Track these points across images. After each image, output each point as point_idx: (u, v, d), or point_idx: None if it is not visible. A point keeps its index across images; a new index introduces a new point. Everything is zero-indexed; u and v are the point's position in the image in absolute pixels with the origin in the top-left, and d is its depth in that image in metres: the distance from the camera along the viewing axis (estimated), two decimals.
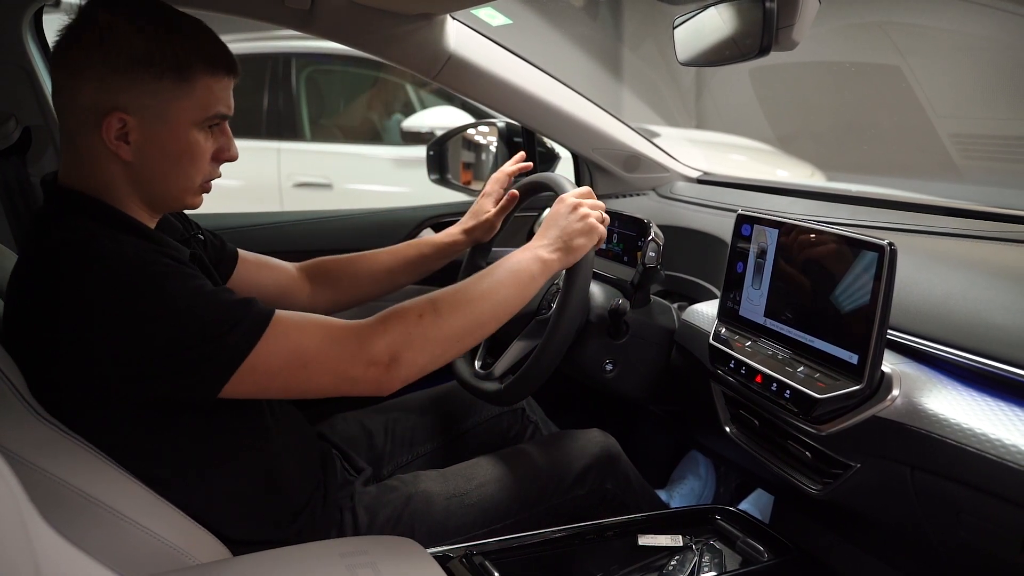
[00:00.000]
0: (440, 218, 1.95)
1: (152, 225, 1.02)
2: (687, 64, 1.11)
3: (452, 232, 1.45)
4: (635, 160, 1.83)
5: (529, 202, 1.52)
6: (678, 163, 1.91)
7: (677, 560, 1.13)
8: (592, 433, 1.38)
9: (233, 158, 1.03)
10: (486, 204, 1.44)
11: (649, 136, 1.88)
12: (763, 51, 0.91)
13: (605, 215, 1.21)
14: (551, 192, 1.37)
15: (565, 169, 2.00)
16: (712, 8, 1.01)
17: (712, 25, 1.03)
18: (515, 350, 1.33)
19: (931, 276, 1.03)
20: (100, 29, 0.90)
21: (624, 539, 1.18)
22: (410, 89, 4.58)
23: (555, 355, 1.21)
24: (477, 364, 1.44)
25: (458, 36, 1.53)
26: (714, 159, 3.83)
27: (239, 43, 4.22)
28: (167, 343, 0.85)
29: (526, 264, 1.10)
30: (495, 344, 1.43)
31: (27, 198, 1.48)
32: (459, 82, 1.59)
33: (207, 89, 0.95)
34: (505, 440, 1.50)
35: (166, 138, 0.94)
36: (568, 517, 1.25)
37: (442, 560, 1.05)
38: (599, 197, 1.88)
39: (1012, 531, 0.80)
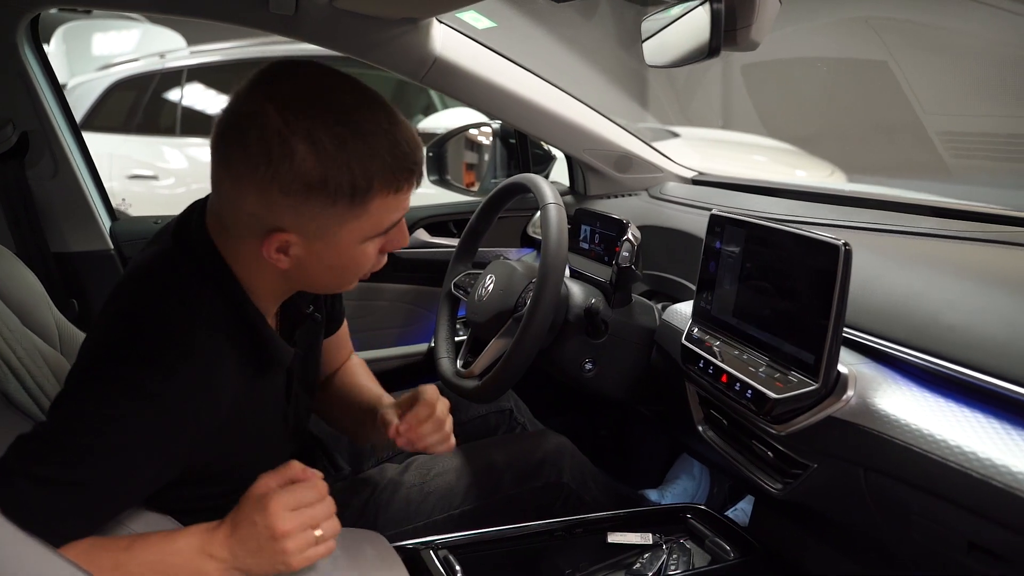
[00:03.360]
0: (435, 219, 1.97)
1: (273, 307, 0.96)
2: (654, 66, 1.12)
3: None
4: (626, 160, 1.83)
5: (517, 201, 1.52)
6: (672, 163, 1.89)
7: (646, 558, 1.13)
8: (545, 433, 1.42)
9: (403, 246, 0.93)
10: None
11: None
12: (712, 52, 0.91)
13: (336, 528, 0.86)
14: (531, 193, 1.37)
15: (559, 169, 2.01)
16: (671, 9, 1.01)
17: (671, 26, 1.03)
18: (493, 349, 1.35)
19: (897, 276, 1.02)
20: (269, 140, 0.78)
21: (593, 536, 1.19)
22: (431, 91, 4.60)
23: (528, 353, 1.22)
24: (459, 363, 1.45)
25: (444, 39, 1.55)
26: (736, 160, 3.78)
27: (254, 47, 4.29)
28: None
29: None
30: (476, 343, 1.45)
31: (26, 201, 1.53)
32: (446, 84, 1.61)
33: (384, 207, 0.85)
34: None
35: (330, 254, 0.87)
36: (528, 509, 1.27)
37: (405, 552, 1.07)
38: (590, 198, 1.91)
39: (958, 533, 0.80)
